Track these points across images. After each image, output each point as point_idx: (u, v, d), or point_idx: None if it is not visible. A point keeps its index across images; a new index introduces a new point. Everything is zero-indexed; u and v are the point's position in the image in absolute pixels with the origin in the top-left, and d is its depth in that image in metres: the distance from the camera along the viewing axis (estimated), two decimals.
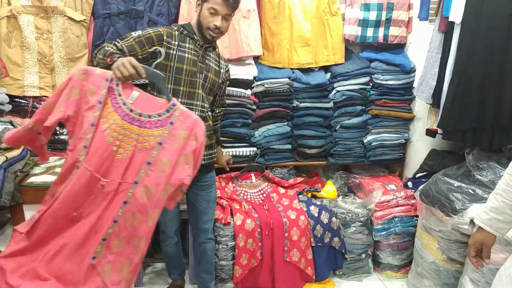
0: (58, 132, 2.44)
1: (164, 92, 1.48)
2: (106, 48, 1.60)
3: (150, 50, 1.72)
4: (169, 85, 1.78)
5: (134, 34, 1.72)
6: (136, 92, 1.43)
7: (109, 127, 1.38)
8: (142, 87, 1.57)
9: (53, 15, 2.30)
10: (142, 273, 2.53)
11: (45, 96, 2.39)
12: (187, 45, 1.81)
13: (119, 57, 1.45)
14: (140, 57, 1.70)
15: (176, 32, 1.80)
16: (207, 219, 2.11)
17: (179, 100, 1.77)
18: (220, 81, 1.96)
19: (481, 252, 1.37)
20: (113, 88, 1.40)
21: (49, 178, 1.83)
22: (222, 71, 1.97)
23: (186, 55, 1.79)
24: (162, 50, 1.67)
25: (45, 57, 2.33)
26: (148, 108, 1.43)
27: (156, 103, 1.45)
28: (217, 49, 1.96)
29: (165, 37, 1.75)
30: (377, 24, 2.60)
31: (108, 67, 1.46)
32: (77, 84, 1.37)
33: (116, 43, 1.67)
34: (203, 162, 1.86)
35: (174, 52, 1.76)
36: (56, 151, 2.46)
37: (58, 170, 1.96)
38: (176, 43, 1.78)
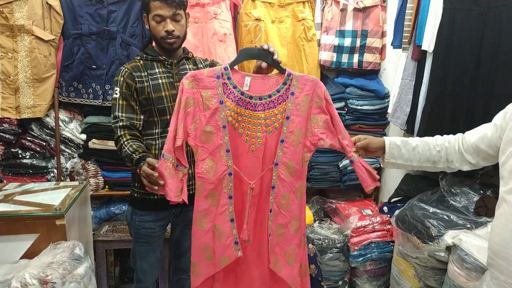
0: (20, 156, 2.30)
1: (275, 65, 1.40)
2: (123, 145, 1.58)
3: (136, 94, 1.67)
4: (155, 118, 1.69)
5: (116, 95, 1.65)
6: (248, 78, 1.39)
7: (236, 120, 1.37)
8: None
9: (20, 33, 2.20)
10: None
11: (7, 118, 2.26)
12: (156, 70, 1.72)
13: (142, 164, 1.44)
14: (137, 107, 1.66)
15: (141, 62, 1.72)
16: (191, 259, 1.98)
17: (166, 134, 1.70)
18: None
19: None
20: (226, 83, 1.37)
21: (8, 208, 1.69)
22: None
23: (160, 81, 1.70)
24: None
25: (9, 77, 2.21)
26: (263, 89, 1.38)
27: (270, 80, 1.39)
28: (192, 57, 1.85)
29: (133, 73, 1.66)
30: (351, 50, 2.65)
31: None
32: (189, 94, 1.35)
33: (121, 122, 1.62)
34: (190, 192, 1.76)
35: (147, 83, 1.67)
36: (18, 176, 2.32)
37: (18, 198, 1.82)
38: (145, 73, 1.69)
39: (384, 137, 1.43)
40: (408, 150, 1.38)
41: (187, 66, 1.80)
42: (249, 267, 1.43)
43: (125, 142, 1.57)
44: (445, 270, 1.99)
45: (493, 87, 1.95)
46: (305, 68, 2.64)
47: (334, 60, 2.66)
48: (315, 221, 2.69)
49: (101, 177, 2.48)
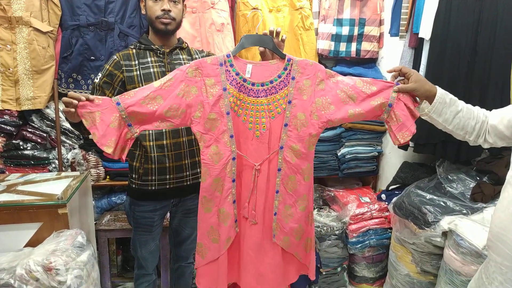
0: (21, 147, 2.33)
1: (276, 51, 1.43)
2: None
3: (119, 84, 1.68)
4: None
5: (96, 80, 1.68)
6: (250, 65, 1.41)
7: (240, 107, 1.40)
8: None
9: (18, 25, 2.20)
10: None
11: (8, 110, 2.28)
12: (148, 59, 1.72)
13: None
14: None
15: (134, 51, 1.72)
16: (191, 246, 2.00)
17: None
18: None
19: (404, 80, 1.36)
20: (229, 70, 1.39)
21: (10, 197, 1.72)
22: None
23: (151, 70, 1.70)
24: None
25: (8, 69, 2.22)
26: (265, 76, 1.41)
27: (271, 66, 1.42)
28: (187, 47, 1.85)
29: (122, 62, 1.68)
30: (349, 39, 2.65)
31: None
32: (192, 82, 1.37)
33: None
34: (187, 183, 1.81)
35: (137, 72, 1.68)
36: (20, 167, 2.35)
37: (20, 188, 1.85)
38: (136, 62, 1.70)
39: (437, 87, 1.32)
40: (452, 111, 1.30)
41: (181, 56, 1.79)
42: (253, 245, 1.47)
43: None
44: (441, 255, 2.03)
45: (489, 74, 1.96)
46: (303, 57, 2.64)
47: (332, 49, 2.66)
48: (314, 209, 2.70)
49: (102, 167, 2.50)
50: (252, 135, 1.41)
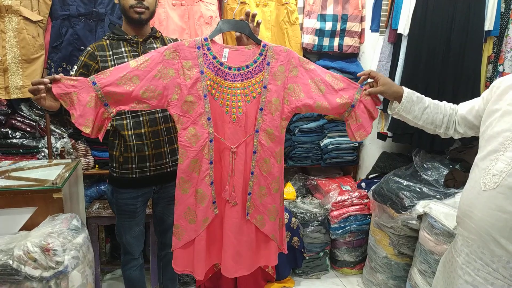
0: (10, 136, 2.34)
1: (252, 36, 1.46)
2: None
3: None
4: None
5: (72, 73, 1.69)
6: (226, 49, 1.43)
7: (217, 91, 1.42)
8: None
9: (7, 14, 2.21)
10: (101, 280, 2.47)
11: None
12: (122, 49, 1.71)
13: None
14: None
15: (107, 41, 1.72)
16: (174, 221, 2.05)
17: (137, 113, 1.73)
18: None
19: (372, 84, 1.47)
20: (206, 54, 1.41)
21: (4, 183, 1.75)
22: None
23: (125, 60, 1.69)
24: None
25: None
26: (241, 60, 1.44)
27: (247, 51, 1.45)
28: (161, 36, 1.83)
29: (96, 53, 1.68)
30: (332, 34, 2.76)
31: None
32: (169, 64, 1.38)
33: None
34: (168, 170, 1.84)
35: (111, 62, 1.68)
36: (9, 156, 2.36)
37: (12, 174, 1.88)
38: (110, 52, 1.70)
39: (403, 87, 1.41)
40: (420, 108, 1.39)
41: (155, 45, 1.78)
42: (232, 226, 1.51)
43: None
44: (417, 237, 2.17)
45: (462, 67, 2.10)
46: None
47: (316, 43, 2.76)
48: (297, 197, 2.82)
49: (91, 156, 2.53)
50: (229, 119, 1.45)
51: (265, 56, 1.44)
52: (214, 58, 1.42)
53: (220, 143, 1.47)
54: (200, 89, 1.40)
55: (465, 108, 1.37)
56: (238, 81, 1.43)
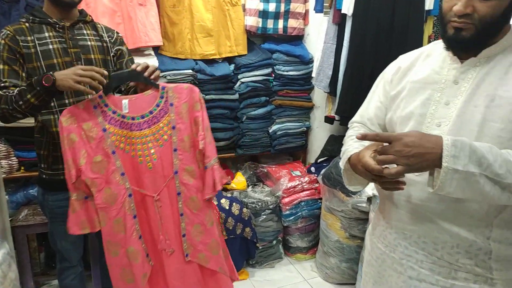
0: None
1: (148, 82, 1.43)
2: (11, 92, 1.38)
3: (22, 60, 1.49)
4: None
5: None
6: (125, 100, 1.41)
7: (126, 143, 1.40)
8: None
9: None
10: None
11: None
12: (46, 34, 1.52)
13: (52, 74, 1.32)
14: (24, 74, 1.47)
15: (27, 24, 1.51)
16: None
17: (66, 100, 1.54)
18: (110, 57, 1.66)
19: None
20: (104, 111, 1.38)
21: None
22: (107, 44, 1.65)
23: (50, 46, 1.51)
24: None
25: None
26: (143, 108, 1.42)
27: (147, 97, 1.43)
28: (91, 21, 1.66)
29: (17, 37, 1.47)
30: (276, 15, 2.66)
31: (41, 102, 1.35)
32: (70, 130, 1.34)
33: (2, 84, 1.42)
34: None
35: (34, 49, 1.48)
36: None
37: None
38: (31, 37, 1.49)
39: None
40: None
41: (85, 31, 1.61)
42: (175, 272, 1.49)
43: (12, 91, 1.40)
44: (367, 219, 2.19)
45: (405, 46, 2.10)
46: (231, 33, 2.60)
47: (260, 25, 2.66)
48: (248, 186, 2.75)
49: (14, 158, 2.26)
50: (145, 168, 1.42)
51: (166, 98, 1.44)
52: (114, 112, 1.40)
53: (140, 194, 1.44)
54: (107, 146, 1.38)
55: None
56: (145, 128, 1.42)
